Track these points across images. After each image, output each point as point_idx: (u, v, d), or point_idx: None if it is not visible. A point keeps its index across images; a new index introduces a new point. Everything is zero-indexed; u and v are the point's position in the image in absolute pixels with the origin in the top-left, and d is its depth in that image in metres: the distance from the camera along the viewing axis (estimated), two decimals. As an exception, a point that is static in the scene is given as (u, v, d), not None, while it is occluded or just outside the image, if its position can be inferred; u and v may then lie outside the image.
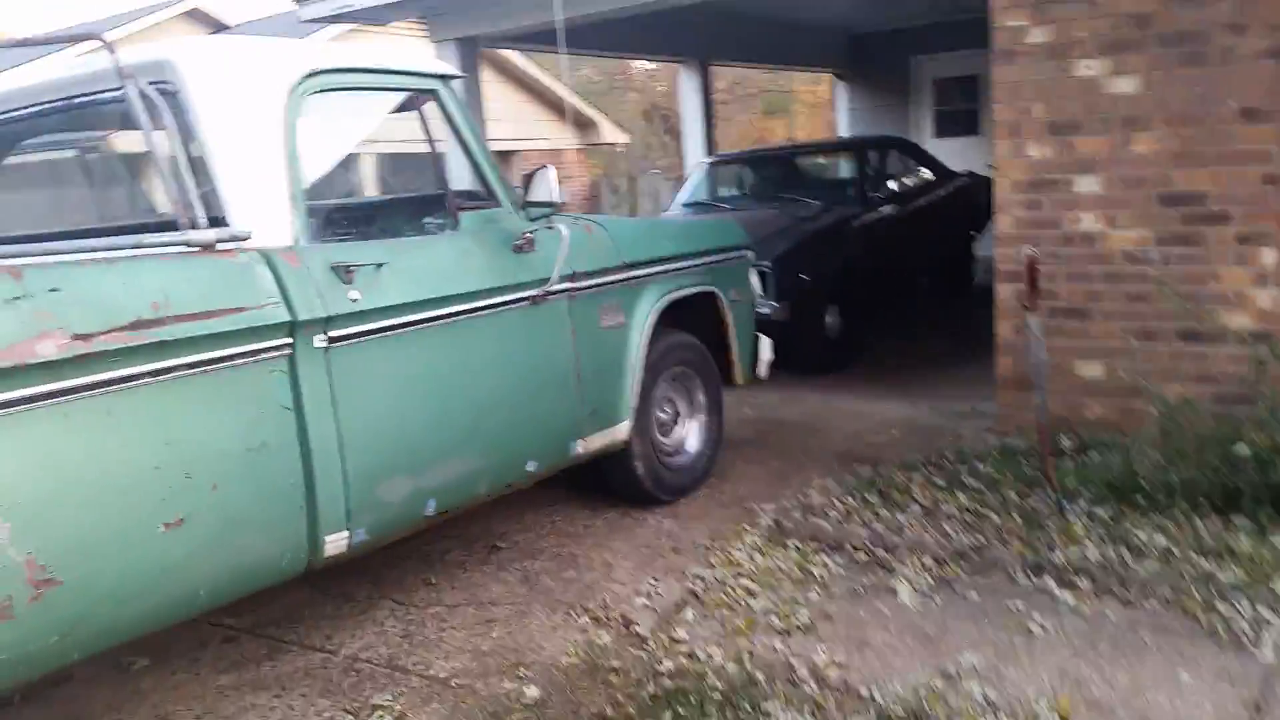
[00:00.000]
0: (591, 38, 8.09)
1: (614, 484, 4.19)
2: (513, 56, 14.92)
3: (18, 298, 2.08)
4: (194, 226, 2.57)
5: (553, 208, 3.54)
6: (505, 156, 15.30)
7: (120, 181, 3.49)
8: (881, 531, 3.79)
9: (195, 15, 16.09)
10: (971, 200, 8.70)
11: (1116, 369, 4.55)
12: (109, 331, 2.23)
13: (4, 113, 3.13)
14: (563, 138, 16.81)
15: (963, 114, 11.60)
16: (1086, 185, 4.53)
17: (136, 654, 3.14)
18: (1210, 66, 4.17)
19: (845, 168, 8.87)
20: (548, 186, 3.55)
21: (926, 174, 8.40)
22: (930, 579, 3.42)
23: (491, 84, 14.74)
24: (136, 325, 2.29)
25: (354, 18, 7.48)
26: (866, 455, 4.77)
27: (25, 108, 3.09)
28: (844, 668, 2.88)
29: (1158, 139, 4.31)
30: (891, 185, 7.83)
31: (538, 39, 7.32)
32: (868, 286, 6.95)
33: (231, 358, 2.51)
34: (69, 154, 3.52)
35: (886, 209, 7.47)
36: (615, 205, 16.46)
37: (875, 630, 3.10)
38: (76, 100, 3.01)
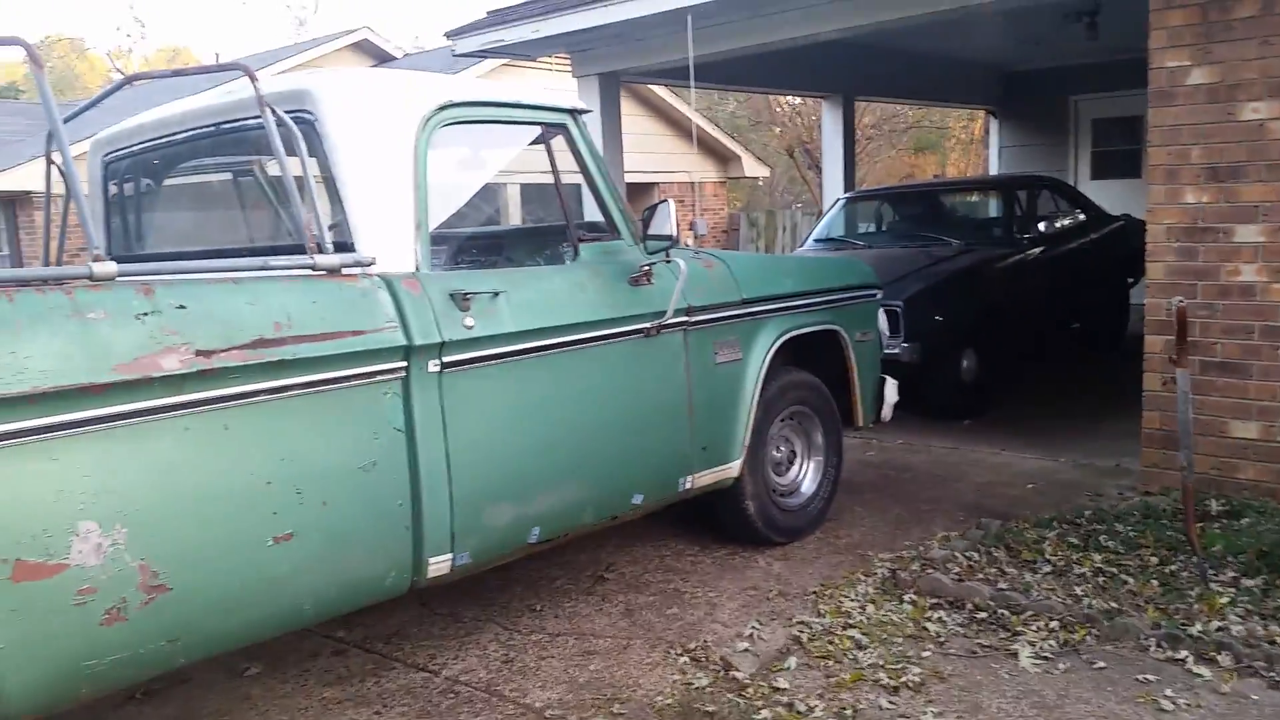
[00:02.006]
0: (734, 72, 8.11)
1: (724, 522, 4.13)
2: (656, 89, 15.11)
3: (146, 313, 2.20)
4: (321, 251, 2.67)
5: (672, 241, 3.54)
6: (644, 189, 15.48)
7: (256, 205, 3.68)
8: (1006, 590, 3.60)
9: (364, 47, 16.96)
10: (1128, 245, 8.23)
11: (1274, 430, 4.23)
12: (231, 349, 2.34)
13: (161, 137, 3.35)
14: (703, 171, 16.88)
15: (1122, 155, 11.08)
16: (1248, 234, 4.24)
17: (250, 660, 3.26)
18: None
19: (991, 207, 8.57)
20: (667, 220, 3.56)
21: (1079, 216, 8.03)
22: (1055, 643, 3.23)
23: (634, 117, 14.97)
24: (258, 344, 2.39)
25: (503, 53, 7.71)
26: (996, 509, 4.56)
27: (179, 133, 3.30)
28: (953, 732, 2.74)
29: (1330, 186, 4.00)
30: (1041, 227, 7.51)
31: (678, 74, 7.37)
32: (1009, 331, 6.68)
33: (348, 379, 2.59)
34: (212, 178, 3.75)
35: (1034, 251, 7.17)
36: (753, 240, 16.40)
37: (990, 694, 2.94)
38: (224, 126, 3.19)
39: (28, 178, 13.45)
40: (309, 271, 2.64)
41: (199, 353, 2.28)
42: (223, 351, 2.33)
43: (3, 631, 2.02)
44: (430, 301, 2.82)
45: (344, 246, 2.78)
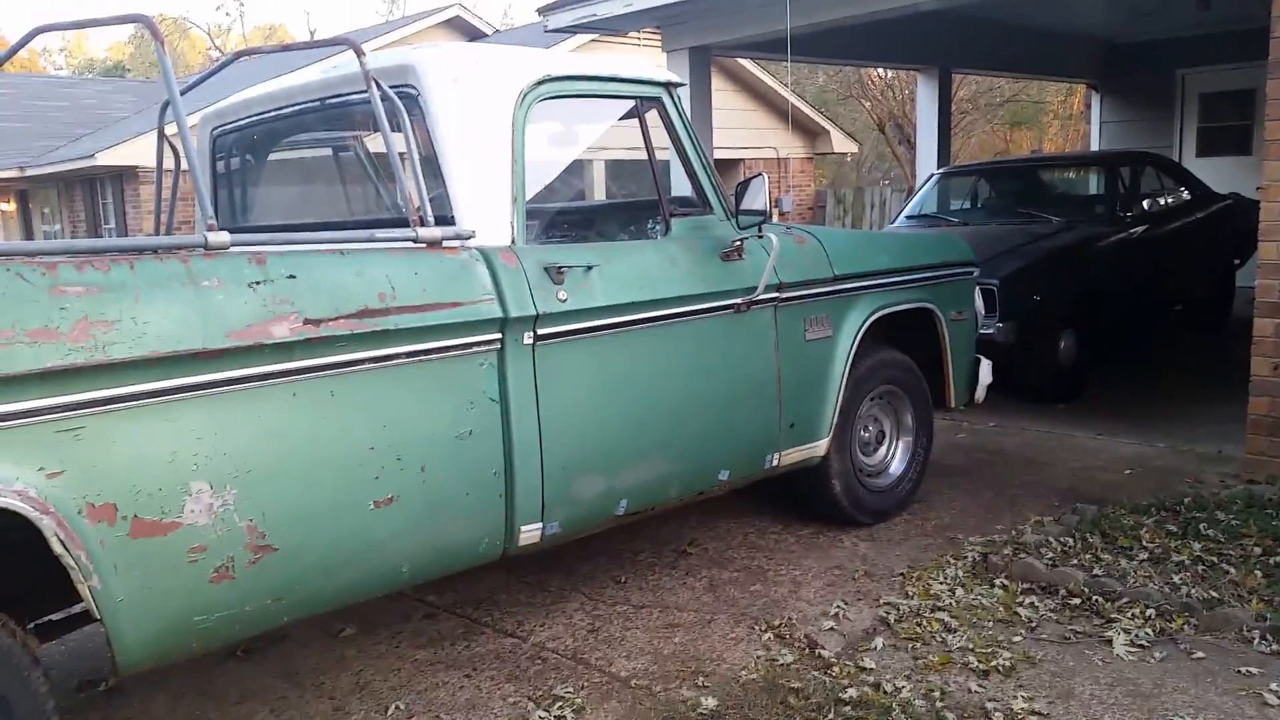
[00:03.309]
0: (826, 45, 7.99)
1: (810, 500, 4.11)
2: (745, 63, 14.96)
3: (259, 282, 2.28)
4: (423, 224, 2.73)
5: (764, 216, 3.51)
6: (730, 164, 15.36)
7: (362, 179, 3.76)
8: (1101, 576, 3.52)
9: (455, 24, 17.16)
10: (1235, 225, 7.93)
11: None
12: (338, 318, 2.41)
13: (267, 112, 3.44)
14: (790, 146, 16.69)
15: (1231, 131, 10.62)
16: (1367, 212, 4.03)
17: (346, 622, 3.37)
18: None
19: (1092, 184, 8.31)
20: (760, 195, 3.54)
21: (1184, 194, 7.73)
22: (1151, 632, 3.15)
23: (722, 92, 14.85)
24: (363, 314, 2.46)
25: (595, 27, 7.73)
26: (1092, 494, 4.45)
27: (285, 108, 3.39)
28: (1044, 717, 2.69)
29: None
30: (1144, 205, 7.25)
31: (769, 47, 7.30)
32: (1110, 312, 6.48)
33: (447, 349, 2.65)
34: (319, 151, 3.84)
35: (1137, 230, 6.92)
36: (839, 217, 16.17)
37: (1083, 681, 2.88)
38: (329, 101, 3.26)
39: (136, 153, 13.98)
40: (412, 244, 2.69)
41: (308, 321, 2.35)
42: (330, 320, 2.40)
43: (122, 585, 2.12)
44: (525, 274, 2.86)
45: (444, 220, 2.83)
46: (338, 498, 2.44)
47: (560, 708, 2.79)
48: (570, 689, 2.90)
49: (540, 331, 2.86)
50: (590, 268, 3.03)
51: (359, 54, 2.79)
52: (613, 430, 3.09)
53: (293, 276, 2.36)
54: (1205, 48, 9.90)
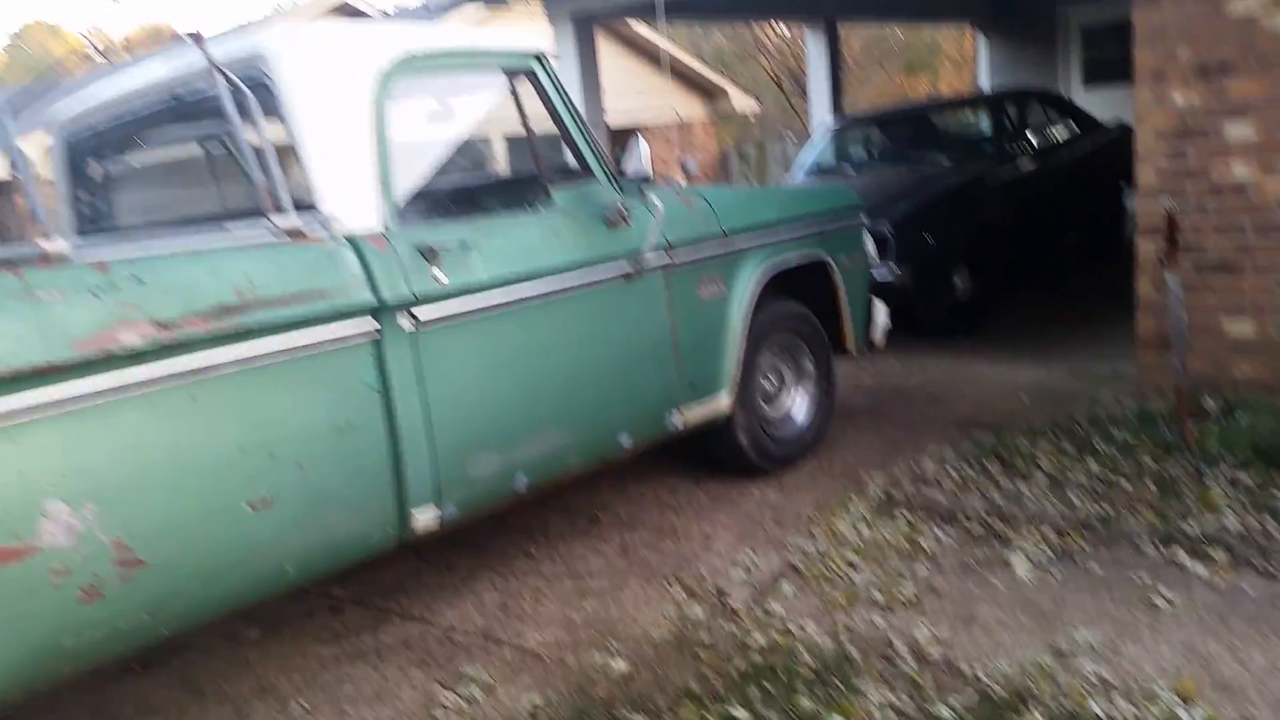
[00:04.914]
0: (711, 4, 7.98)
1: (718, 455, 4.14)
2: (640, 29, 14.89)
3: (102, 289, 2.19)
4: (280, 213, 2.65)
5: (645, 179, 3.50)
6: (630, 133, 15.30)
7: (220, 173, 3.64)
8: (1000, 502, 3.61)
9: (343, 11, 16.70)
10: (1122, 153, 8.12)
11: (1269, 326, 4.19)
12: (192, 320, 2.32)
13: (120, 113, 3.30)
14: (689, 108, 16.68)
15: (1115, 62, 10.84)
16: (1239, 132, 4.16)
17: (250, 624, 3.30)
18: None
19: (981, 123, 8.44)
20: (640, 157, 3.52)
21: (1071, 126, 7.91)
22: (1050, 551, 3.24)
23: (619, 58, 14.78)
24: (220, 312, 2.38)
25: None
26: (991, 422, 4.56)
27: (137, 106, 3.25)
28: (947, 645, 2.76)
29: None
30: (1031, 139, 7.40)
31: (652, 10, 7.25)
32: (1004, 246, 6.62)
33: (318, 342, 2.58)
34: (177, 148, 3.70)
35: (1026, 165, 7.07)
36: (745, 174, 16.24)
37: (985, 605, 2.96)
38: (181, 96, 3.14)
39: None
40: (270, 236, 2.62)
41: (158, 325, 2.26)
42: (183, 323, 2.31)
43: (-19, 614, 2.03)
44: (398, 257, 2.80)
45: (307, 208, 2.76)
46: (210, 504, 2.37)
47: (469, 687, 2.78)
48: (479, 668, 2.88)
49: (419, 315, 2.81)
50: (467, 245, 2.98)
51: (200, 44, 2.69)
52: (505, 407, 3.05)
53: (139, 280, 2.27)
54: (1084, -19, 10.11)
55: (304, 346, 2.55)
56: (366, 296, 2.69)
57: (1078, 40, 11.18)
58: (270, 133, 2.77)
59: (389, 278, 2.75)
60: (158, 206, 3.76)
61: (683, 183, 4.74)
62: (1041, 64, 11.25)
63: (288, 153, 2.80)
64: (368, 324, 2.69)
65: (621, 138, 3.54)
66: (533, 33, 3.60)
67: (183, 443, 2.32)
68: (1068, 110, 8.13)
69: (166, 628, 2.37)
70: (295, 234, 2.66)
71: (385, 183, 2.90)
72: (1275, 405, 4.01)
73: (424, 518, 2.83)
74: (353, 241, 2.74)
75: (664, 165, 15.83)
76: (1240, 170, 4.19)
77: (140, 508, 2.24)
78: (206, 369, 2.36)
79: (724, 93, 17.16)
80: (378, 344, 2.72)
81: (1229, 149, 4.20)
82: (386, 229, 2.86)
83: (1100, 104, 9.33)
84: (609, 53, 14.04)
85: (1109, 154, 7.98)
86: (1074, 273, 8.05)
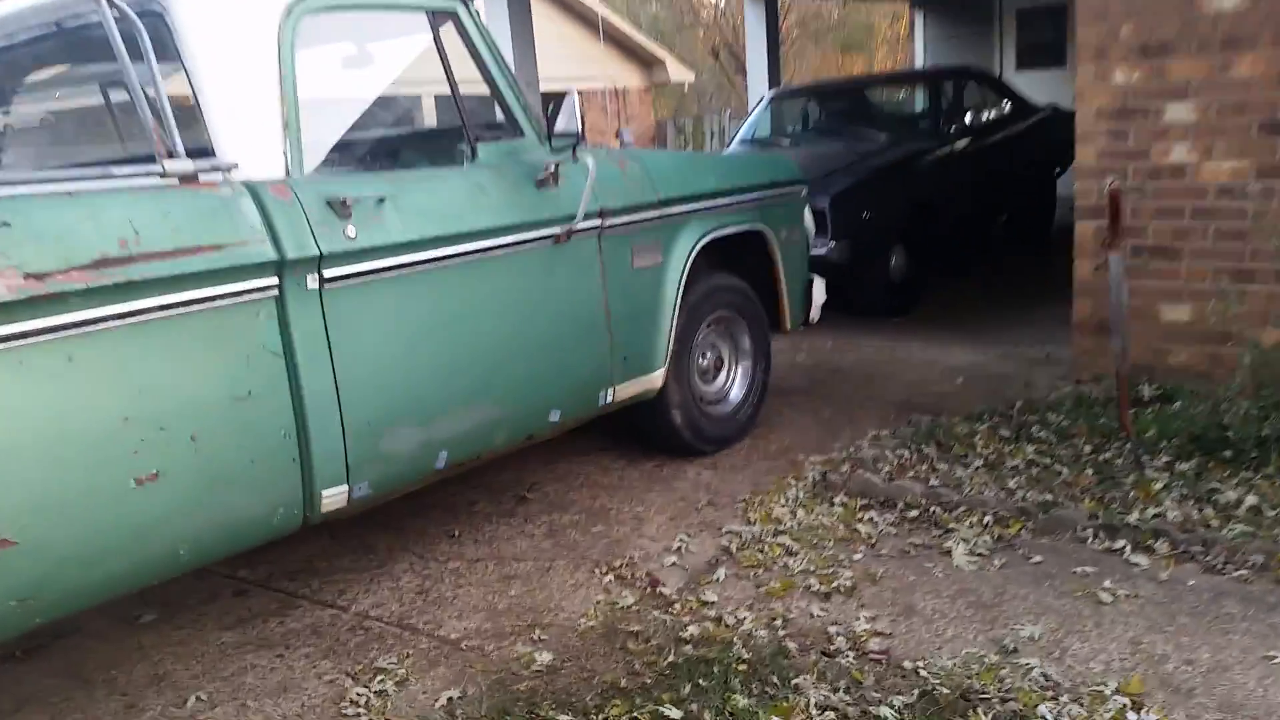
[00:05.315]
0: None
1: (651, 434, 3.96)
2: (576, -7, 14.56)
3: (-42, 234, 1.91)
4: (172, 157, 2.37)
5: (577, 138, 3.28)
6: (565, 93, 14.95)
7: (104, 115, 3.32)
8: (937, 487, 3.50)
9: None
10: (1055, 135, 8.13)
11: (1206, 312, 4.16)
12: (68, 270, 2.06)
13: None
14: (626, 77, 16.41)
15: (1048, 45, 10.93)
16: (1178, 113, 4.09)
17: (145, 607, 3.04)
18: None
19: (917, 101, 8.37)
20: (572, 115, 3.29)
21: (1006, 107, 7.87)
22: (989, 539, 3.14)
23: (555, 22, 14.43)
24: (101, 264, 2.11)
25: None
26: (927, 405, 4.46)
27: (19, 35, 2.92)
28: (887, 637, 2.63)
29: (1263, 61, 3.85)
30: (967, 119, 7.34)
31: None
32: (938, 226, 6.55)
33: (211, 299, 2.31)
34: (55, 87, 3.37)
35: (961, 144, 7.00)
36: (680, 145, 16.06)
37: (924, 595, 2.84)
38: (68, 25, 2.82)
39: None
40: (159, 181, 2.34)
41: (29, 276, 1.99)
42: (59, 274, 2.04)
43: None
44: (304, 209, 2.54)
45: (203, 153, 2.48)
46: (89, 479, 2.11)
47: (381, 681, 2.56)
48: (394, 659, 2.67)
49: (327, 274, 2.55)
50: (383, 200, 2.73)
51: (84, -37, 2.39)
52: (424, 377, 2.82)
53: (6, 225, 1.99)
54: (1020, -38, 10.10)
55: (197, 304, 2.29)
56: (267, 250, 2.43)
57: (1012, 21, 11.19)
58: (164, 69, 2.48)
59: (293, 231, 2.49)
60: (37, 150, 3.42)
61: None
62: (977, 43, 11.25)
63: (185, 93, 2.52)
64: (268, 281, 2.43)
65: (555, 100, 3.30)
66: None
67: (58, 409, 2.06)
68: (1003, 91, 8.10)
69: (41, 615, 2.11)
70: (188, 180, 2.38)
71: (291, 126, 2.63)
72: (1211, 393, 3.97)
73: (332, 497, 2.59)
74: (252, 189, 2.48)
75: (599, 135, 15.56)
76: (1179, 152, 4.13)
77: (8, 482, 1.97)
78: (85, 325, 2.09)
79: (661, 63, 16.92)
80: (280, 304, 2.46)
81: (1169, 130, 4.13)
82: (291, 177, 2.59)
83: (1033, 86, 9.34)
84: (545, 15, 13.68)
85: (1043, 137, 7.99)
86: (1005, 254, 8.06)
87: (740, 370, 4.22)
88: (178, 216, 2.28)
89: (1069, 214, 6.73)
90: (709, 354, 4.11)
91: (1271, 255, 3.97)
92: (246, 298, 2.38)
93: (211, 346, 2.32)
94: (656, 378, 3.68)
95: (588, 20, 15.40)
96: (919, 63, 12.05)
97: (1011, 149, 7.54)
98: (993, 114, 7.73)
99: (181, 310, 2.25)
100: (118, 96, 3.15)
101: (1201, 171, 4.09)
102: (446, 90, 3.14)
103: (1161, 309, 4.28)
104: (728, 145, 8.01)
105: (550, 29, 13.64)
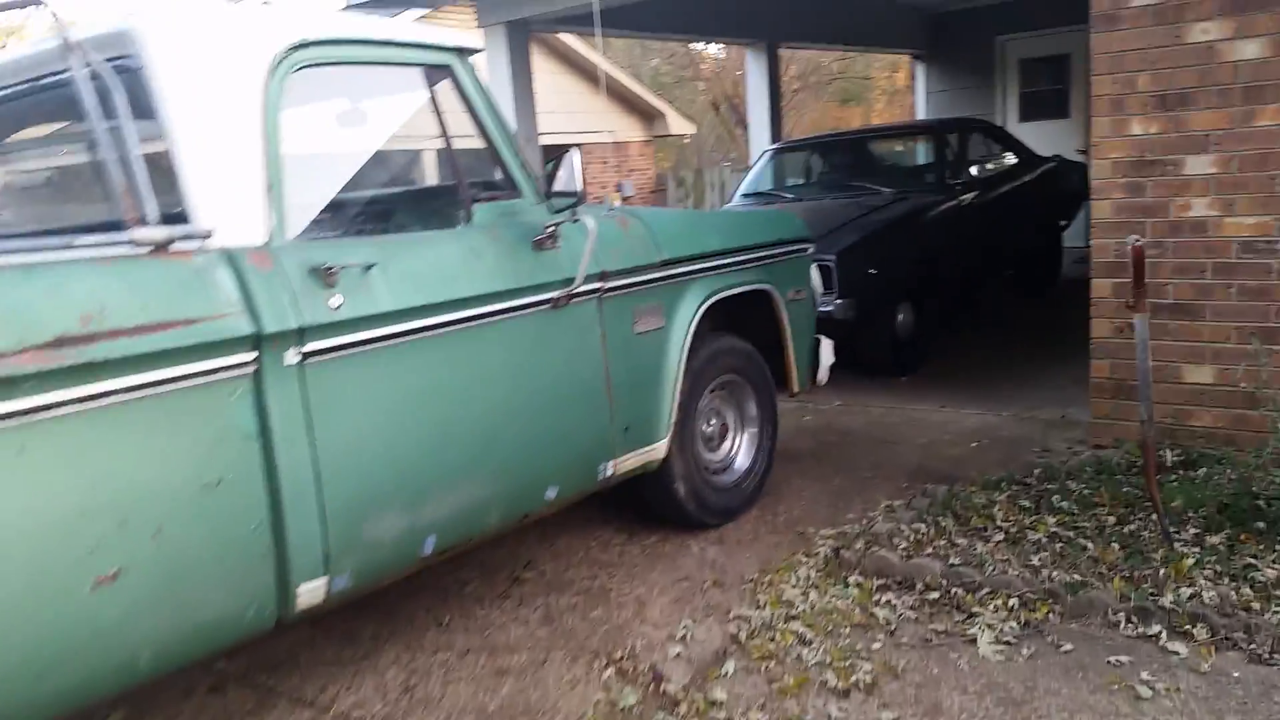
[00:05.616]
0: (651, 18, 7.67)
1: (653, 506, 3.76)
2: (577, 45, 14.56)
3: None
4: (143, 223, 2.21)
5: (577, 197, 3.13)
6: (566, 149, 14.91)
7: (75, 177, 3.17)
8: (958, 565, 3.30)
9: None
10: (1060, 187, 8.06)
11: (1230, 373, 3.99)
12: (23, 351, 1.88)
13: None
14: (627, 130, 16.39)
15: (1050, 95, 10.89)
16: (1198, 166, 3.96)
17: (112, 706, 2.81)
18: (1353, 23, 3.58)
19: (922, 153, 8.29)
20: (573, 174, 3.15)
21: (1011, 159, 7.78)
22: (1016, 625, 2.94)
23: (556, 74, 14.42)
24: (61, 343, 1.94)
25: (391, 2, 7.15)
26: (941, 471, 4.27)
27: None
28: (912, 742, 2.42)
29: (1287, 112, 3.72)
30: (973, 171, 7.24)
31: (590, 21, 6.91)
32: (945, 281, 6.41)
33: (180, 378, 2.14)
34: (22, 149, 3.21)
35: (967, 197, 6.88)
36: (681, 199, 15.99)
37: (950, 691, 2.63)
38: (44, 81, 2.68)
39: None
40: (128, 250, 2.18)
41: (-23, 358, 1.82)
42: (12, 355, 1.87)
43: None
44: (286, 278, 2.37)
45: (179, 219, 2.32)
46: (40, 579, 1.91)
47: (361, 794, 2.36)
48: (375, 767, 2.46)
49: (309, 347, 2.38)
50: (371, 266, 2.57)
51: (55, 17, 2.25)
52: (411, 457, 2.64)
53: (-48, 302, 1.82)
54: (1023, 14, 10.07)
55: (165, 385, 2.11)
56: (243, 324, 2.25)
57: (1015, 72, 11.16)
58: (140, 130, 2.33)
59: (273, 302, 2.32)
60: (18, 216, 3.26)
61: (618, 204, 4.39)
62: (979, 95, 11.21)
63: (161, 154, 2.37)
64: (245, 358, 2.26)
65: (556, 154, 3.16)
66: (458, 33, 3.21)
67: (5, 504, 1.87)
68: (1007, 142, 8.02)
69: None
70: (161, 249, 2.22)
71: (274, 189, 2.47)
72: (1237, 459, 3.79)
73: (310, 592, 2.39)
74: (230, 258, 2.31)
75: (600, 188, 15.50)
76: (1199, 207, 3.99)
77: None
78: (41, 411, 1.91)
79: (662, 115, 16.90)
80: (257, 381, 2.28)
81: (1189, 184, 4.00)
82: (272, 244, 2.43)
83: (1036, 137, 9.27)
84: (546, 69, 13.69)
85: (1048, 189, 7.89)
86: (1011, 309, 7.92)
87: (746, 437, 4.04)
88: (147, 289, 2.12)
89: (1074, 266, 6.56)
90: (714, 420, 3.93)
91: (1298, 314, 3.82)
92: (220, 376, 2.21)
93: (179, 430, 2.14)
94: (660, 448, 3.49)
95: (588, 73, 15.40)
96: (920, 114, 12.00)
97: (1017, 201, 7.44)
98: (998, 166, 7.63)
99: (148, 392, 2.07)
100: (88, 158, 3.00)
101: (1223, 227, 3.95)
102: (442, 149, 3.00)
103: (1183, 370, 4.12)
104: (729, 199, 7.90)
105: (551, 81, 13.64)
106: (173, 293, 2.16)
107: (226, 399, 2.22)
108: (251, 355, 2.27)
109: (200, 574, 2.18)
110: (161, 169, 2.38)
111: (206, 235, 2.29)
